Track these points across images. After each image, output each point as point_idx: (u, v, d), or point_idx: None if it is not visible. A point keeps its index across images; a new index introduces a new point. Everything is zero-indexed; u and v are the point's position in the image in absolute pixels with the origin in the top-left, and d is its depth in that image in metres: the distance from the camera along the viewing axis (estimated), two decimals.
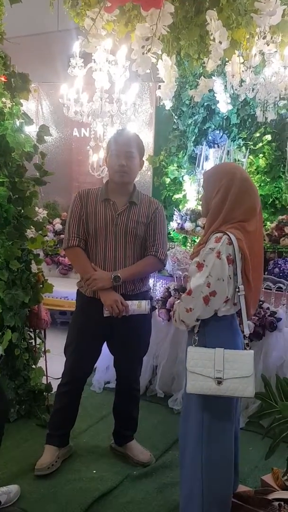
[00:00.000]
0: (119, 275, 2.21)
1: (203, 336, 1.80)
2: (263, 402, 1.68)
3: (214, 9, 2.68)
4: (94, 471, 2.38)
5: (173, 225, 4.24)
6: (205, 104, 4.71)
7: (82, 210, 2.31)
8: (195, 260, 1.82)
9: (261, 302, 2.95)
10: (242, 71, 3.44)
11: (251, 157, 4.50)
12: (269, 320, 2.87)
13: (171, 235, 4.56)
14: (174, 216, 4.26)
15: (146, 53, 2.53)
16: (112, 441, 2.59)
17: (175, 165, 5.02)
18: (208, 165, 4.44)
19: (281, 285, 2.99)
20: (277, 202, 4.41)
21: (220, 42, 2.85)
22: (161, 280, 3.58)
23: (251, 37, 3.08)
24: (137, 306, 2.23)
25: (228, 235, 1.75)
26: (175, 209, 4.44)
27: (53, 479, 2.30)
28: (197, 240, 3.49)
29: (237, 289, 1.78)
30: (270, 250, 3.77)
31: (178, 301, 1.86)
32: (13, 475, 2.27)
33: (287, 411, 1.57)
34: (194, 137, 4.88)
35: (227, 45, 2.92)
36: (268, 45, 3.02)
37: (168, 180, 5.06)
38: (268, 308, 2.93)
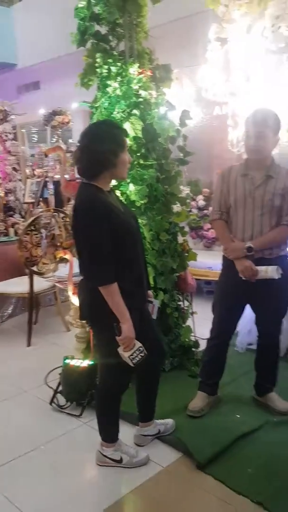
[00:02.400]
0: (251, 245, 2.45)
1: None
2: None
3: None
4: (238, 416, 2.69)
5: None
6: None
7: (224, 185, 2.59)
8: None
9: None
10: None
11: None
12: None
13: None
14: None
15: (278, 30, 2.63)
16: (254, 392, 2.86)
17: None
18: None
19: None
20: None
21: None
22: None
23: None
24: (265, 271, 2.42)
25: None
26: None
27: (202, 419, 2.66)
28: None
29: None
30: None
31: None
32: (169, 412, 2.68)
33: None
34: None
35: None
36: None
37: None
38: None
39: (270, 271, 2.43)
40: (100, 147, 1.97)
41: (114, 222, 1.96)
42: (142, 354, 2.04)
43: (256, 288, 2.51)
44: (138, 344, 2.03)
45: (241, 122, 4.22)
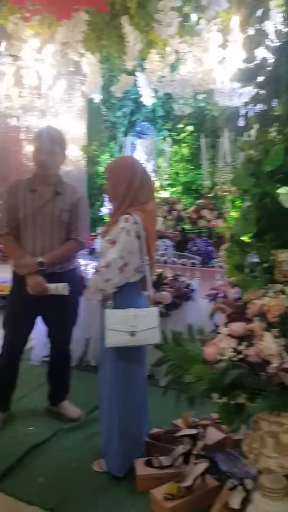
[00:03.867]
0: (43, 260, 2.52)
1: (116, 299, 2.17)
2: (161, 351, 2.07)
3: (126, 16, 3.00)
4: (31, 428, 2.71)
5: (105, 210, 4.58)
6: (132, 97, 5.04)
7: (11, 200, 2.59)
8: (106, 238, 2.18)
9: (177, 276, 3.36)
10: (161, 68, 3.79)
11: (175, 146, 4.90)
12: (184, 291, 3.28)
13: (105, 220, 4.89)
14: (105, 202, 4.59)
15: (65, 55, 2.80)
16: (48, 402, 2.92)
17: (107, 154, 5.33)
18: (137, 154, 4.80)
19: (195, 261, 3.41)
20: (199, 188, 4.84)
21: (135, 44, 3.19)
22: (94, 262, 3.90)
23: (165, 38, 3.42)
24: (55, 289, 2.52)
25: (134, 217, 2.12)
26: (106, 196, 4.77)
27: None
28: None
29: (142, 260, 2.17)
30: (190, 230, 4.19)
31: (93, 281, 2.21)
32: None
33: (175, 354, 1.96)
34: (123, 128, 5.21)
35: (142, 46, 3.26)
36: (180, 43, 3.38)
37: (101, 169, 5.37)
38: (184, 281, 3.34)
39: (61, 289, 2.53)
40: None
41: None
42: None
43: (46, 301, 2.57)
44: None
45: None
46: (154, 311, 2.19)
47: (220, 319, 1.92)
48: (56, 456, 2.46)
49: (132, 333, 2.12)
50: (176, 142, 4.95)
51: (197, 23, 3.15)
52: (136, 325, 2.12)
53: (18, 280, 2.61)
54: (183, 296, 3.27)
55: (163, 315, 3.19)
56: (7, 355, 2.71)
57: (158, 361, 2.10)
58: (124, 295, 2.18)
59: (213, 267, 3.71)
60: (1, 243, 2.92)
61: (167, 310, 3.23)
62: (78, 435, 2.66)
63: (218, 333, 1.79)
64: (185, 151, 4.91)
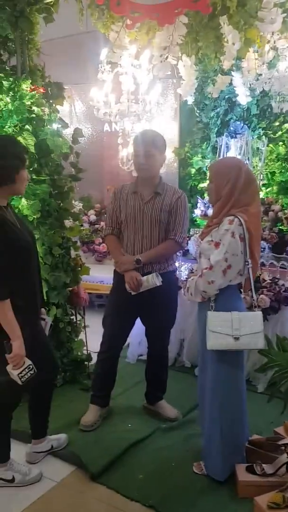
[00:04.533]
0: (140, 258, 2.58)
1: (216, 302, 2.15)
2: (266, 356, 2.02)
3: (225, 15, 2.97)
4: (130, 425, 2.78)
5: (197, 212, 4.57)
6: (226, 97, 4.98)
7: (116, 203, 2.70)
8: (207, 240, 2.17)
9: (276, 279, 3.25)
10: (258, 66, 3.71)
11: (271, 145, 4.75)
12: (283, 295, 3.16)
13: (197, 222, 4.88)
14: (198, 204, 4.59)
15: (165, 60, 2.84)
16: (145, 401, 2.98)
17: (200, 155, 5.32)
18: (230, 155, 4.73)
19: None
20: None
21: (233, 44, 3.14)
22: (187, 263, 3.92)
23: (263, 36, 3.33)
24: (146, 281, 2.53)
25: (239, 218, 2.09)
26: (199, 198, 4.76)
27: (95, 430, 2.71)
28: None
29: (246, 263, 2.13)
30: None
31: (191, 278, 2.22)
32: (62, 427, 2.68)
33: (282, 360, 1.90)
34: (216, 129, 5.17)
35: (240, 46, 3.20)
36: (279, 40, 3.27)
37: (193, 170, 5.37)
38: (283, 285, 3.23)
39: (151, 279, 2.55)
40: (3, 162, 1.96)
41: (10, 237, 1.95)
42: (32, 372, 2.02)
43: (145, 301, 2.62)
44: (28, 362, 2.02)
45: (130, 141, 4.44)
46: (259, 315, 2.13)
47: None
48: (154, 454, 2.50)
49: (235, 337, 2.08)
50: (272, 140, 4.80)
51: None
52: (240, 329, 2.08)
53: (118, 279, 2.70)
54: (282, 300, 3.16)
55: None
56: (107, 353, 2.81)
57: (262, 367, 2.07)
58: (226, 298, 2.16)
59: None
60: (105, 243, 3.04)
61: (265, 315, 3.14)
62: (176, 435, 2.68)
63: None
64: (281, 149, 4.75)
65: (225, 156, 4.76)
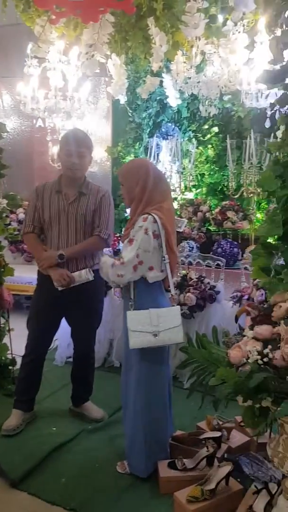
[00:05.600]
0: (63, 253, 2.54)
1: (137, 300, 2.16)
2: (185, 353, 2.06)
3: (152, 17, 2.99)
4: (54, 428, 2.72)
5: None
6: (158, 98, 5.04)
7: (38, 201, 2.63)
8: (126, 241, 2.18)
9: (202, 278, 3.33)
10: (187, 69, 3.78)
11: (200, 147, 4.87)
12: (209, 293, 3.25)
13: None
14: None
15: (91, 58, 2.81)
16: (71, 404, 2.93)
17: (132, 155, 5.34)
18: (161, 155, 4.79)
19: (220, 263, 3.38)
20: (225, 189, 4.80)
21: (161, 45, 3.18)
22: None
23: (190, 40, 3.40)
24: (78, 276, 2.53)
25: (153, 215, 2.12)
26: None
27: (18, 435, 2.63)
28: None
29: (163, 258, 2.16)
30: (216, 232, 4.15)
31: (109, 261, 2.20)
32: None
33: (200, 357, 1.95)
34: (148, 130, 5.21)
35: (167, 48, 3.24)
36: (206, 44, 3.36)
37: None
38: (208, 283, 3.31)
39: (84, 274, 2.54)
40: None
41: None
42: None
43: (70, 300, 2.59)
44: None
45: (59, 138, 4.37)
46: (176, 309, 2.19)
47: (246, 322, 1.90)
48: (78, 457, 2.47)
49: (155, 334, 2.11)
50: (201, 143, 4.92)
51: (224, 24, 3.12)
52: (158, 325, 2.12)
53: (42, 279, 2.64)
54: (207, 298, 3.24)
55: (187, 317, 3.19)
56: (31, 355, 2.73)
57: (183, 363, 2.10)
58: (147, 295, 2.18)
59: (238, 269, 3.67)
60: (24, 242, 2.95)
61: (191, 312, 3.22)
62: (101, 436, 2.66)
63: (243, 336, 1.77)
64: (210, 152, 4.88)
65: (156, 156, 4.82)
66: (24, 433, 2.66)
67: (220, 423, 2.55)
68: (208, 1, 2.85)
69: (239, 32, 2.98)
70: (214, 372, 1.81)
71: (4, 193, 4.63)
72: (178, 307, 2.22)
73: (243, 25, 3.21)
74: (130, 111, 5.26)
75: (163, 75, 4.23)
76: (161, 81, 4.04)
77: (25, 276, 4.41)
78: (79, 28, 3.25)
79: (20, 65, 3.90)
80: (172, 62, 3.85)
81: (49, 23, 2.75)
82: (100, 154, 5.29)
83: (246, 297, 3.08)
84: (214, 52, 3.60)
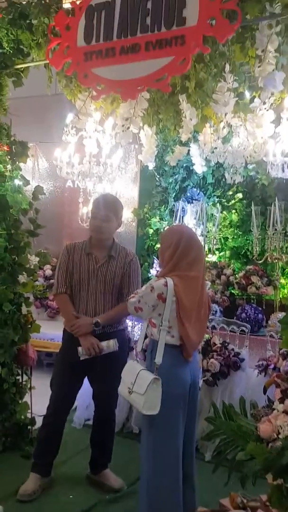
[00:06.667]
0: (99, 321, 2.58)
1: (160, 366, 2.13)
2: (212, 424, 2.00)
3: (184, 94, 3.20)
4: (71, 496, 2.64)
5: (153, 272, 4.65)
6: (184, 165, 5.24)
7: (69, 262, 2.71)
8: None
9: (226, 343, 3.30)
10: (214, 140, 3.96)
11: (224, 212, 4.99)
12: (233, 360, 3.20)
13: None
14: (154, 263, 4.68)
15: (127, 130, 2.99)
16: (88, 470, 2.84)
17: (158, 217, 5.49)
18: (186, 219, 4.91)
19: (244, 329, 3.35)
20: (248, 253, 4.85)
21: (191, 119, 3.37)
22: (140, 323, 3.92)
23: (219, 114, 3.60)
24: (107, 346, 2.57)
25: (165, 279, 2.15)
26: (155, 258, 4.86)
27: (34, 501, 2.56)
28: None
29: (160, 324, 2.14)
30: (239, 296, 4.15)
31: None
32: None
33: (228, 429, 1.89)
34: (174, 193, 5.39)
35: (197, 121, 3.43)
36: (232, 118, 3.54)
37: (151, 231, 5.52)
38: (233, 349, 3.27)
39: (112, 345, 2.58)
40: None
41: None
42: None
43: (95, 362, 2.59)
44: None
45: (91, 199, 4.54)
46: (145, 377, 2.08)
47: (275, 394, 1.85)
48: None
49: (129, 390, 2.14)
50: (225, 208, 5.05)
51: (251, 101, 3.30)
52: (134, 384, 2.12)
53: (69, 338, 2.66)
54: (232, 365, 3.19)
55: (210, 384, 3.13)
56: (53, 417, 2.70)
57: (208, 435, 2.04)
58: (165, 361, 2.13)
59: (263, 335, 3.63)
60: (55, 301, 3.01)
61: (214, 379, 3.15)
62: (117, 508, 2.56)
63: (273, 409, 1.73)
64: (234, 217, 4.99)
65: (181, 219, 4.94)
66: (40, 499, 2.59)
67: (245, 501, 2.42)
68: (238, 81, 3.05)
69: (266, 110, 3.14)
70: (242, 446, 1.76)
71: (36, 252, 4.77)
72: (151, 376, 2.07)
73: (270, 102, 3.39)
74: (158, 176, 5.47)
75: (191, 144, 4.43)
76: (188, 150, 4.22)
77: (47, 332, 4.43)
78: (116, 102, 3.49)
79: (57, 132, 4.16)
80: (200, 133, 4.06)
81: (90, 98, 2.95)
82: (126, 215, 5.45)
83: (272, 366, 3.02)
84: (241, 125, 3.79)
